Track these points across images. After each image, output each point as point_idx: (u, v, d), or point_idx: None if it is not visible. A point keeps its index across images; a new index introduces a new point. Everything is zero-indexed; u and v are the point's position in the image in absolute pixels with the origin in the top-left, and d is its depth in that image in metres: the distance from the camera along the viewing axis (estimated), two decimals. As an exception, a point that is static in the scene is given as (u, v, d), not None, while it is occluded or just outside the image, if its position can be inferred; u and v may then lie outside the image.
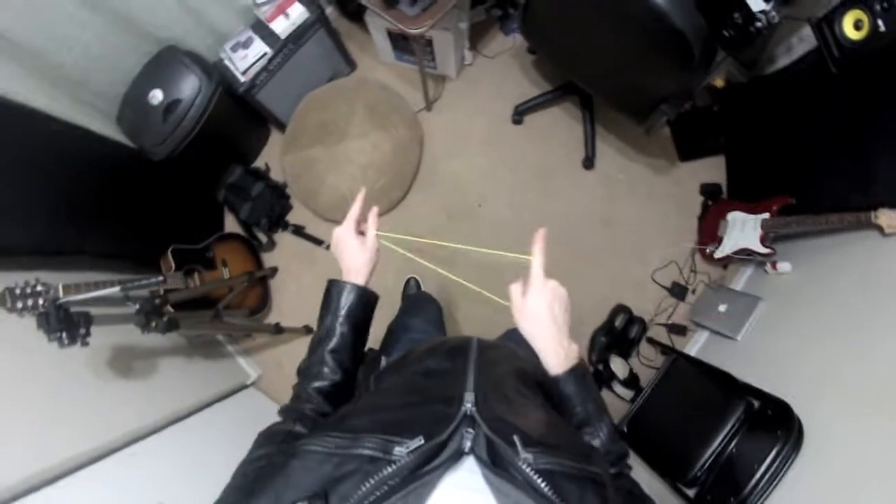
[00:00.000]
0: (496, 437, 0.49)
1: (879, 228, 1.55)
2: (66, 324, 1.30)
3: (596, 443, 0.68)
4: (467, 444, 0.50)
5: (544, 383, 0.73)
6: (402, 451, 0.46)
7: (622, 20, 1.53)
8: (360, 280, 0.82)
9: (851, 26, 1.42)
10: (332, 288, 0.81)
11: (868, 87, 1.66)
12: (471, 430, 0.51)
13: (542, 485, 0.44)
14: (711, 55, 1.67)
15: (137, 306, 1.53)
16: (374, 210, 0.88)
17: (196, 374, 2.04)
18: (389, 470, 0.44)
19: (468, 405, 0.55)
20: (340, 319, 0.78)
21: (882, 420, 1.21)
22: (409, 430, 0.49)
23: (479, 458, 0.48)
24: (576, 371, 0.71)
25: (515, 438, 0.48)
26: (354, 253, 0.82)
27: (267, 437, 0.62)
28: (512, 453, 0.47)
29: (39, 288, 1.42)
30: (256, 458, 0.54)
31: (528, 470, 0.45)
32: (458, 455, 0.49)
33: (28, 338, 1.26)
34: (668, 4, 1.36)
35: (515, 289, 0.74)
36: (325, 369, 0.75)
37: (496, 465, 0.48)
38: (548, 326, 0.71)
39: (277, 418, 0.70)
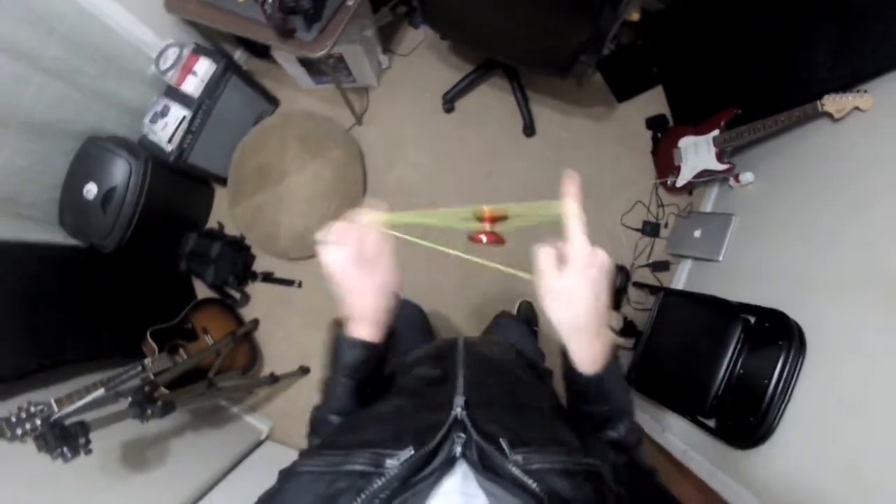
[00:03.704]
0: (484, 442, 0.49)
1: (829, 115, 1.60)
2: (63, 439, 1.36)
3: (613, 435, 0.63)
4: (458, 450, 0.50)
5: (571, 380, 0.64)
6: (394, 462, 0.47)
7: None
8: (366, 325, 0.66)
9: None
10: (333, 338, 0.69)
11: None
12: (462, 434, 0.51)
13: (534, 485, 0.44)
14: (615, -7, 1.71)
15: (130, 399, 1.60)
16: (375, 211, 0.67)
17: (209, 445, 2.11)
18: (380, 483, 0.45)
19: (458, 409, 0.55)
20: (342, 379, 0.67)
21: (873, 297, 1.26)
22: (400, 441, 0.50)
23: (471, 463, 0.49)
24: (609, 367, 0.61)
25: (503, 442, 0.48)
26: (360, 290, 0.65)
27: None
28: (501, 457, 0.47)
29: (33, 409, 1.46)
30: (268, 490, 0.55)
31: (517, 472, 0.45)
32: (451, 461, 0.49)
33: (35, 463, 1.31)
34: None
35: (546, 257, 0.57)
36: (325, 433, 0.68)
37: (487, 468, 0.48)
38: (589, 316, 0.57)
39: None
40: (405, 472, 0.46)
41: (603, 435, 0.63)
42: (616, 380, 0.62)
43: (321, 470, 0.49)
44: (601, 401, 0.62)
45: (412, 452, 0.48)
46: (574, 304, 0.56)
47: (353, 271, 0.63)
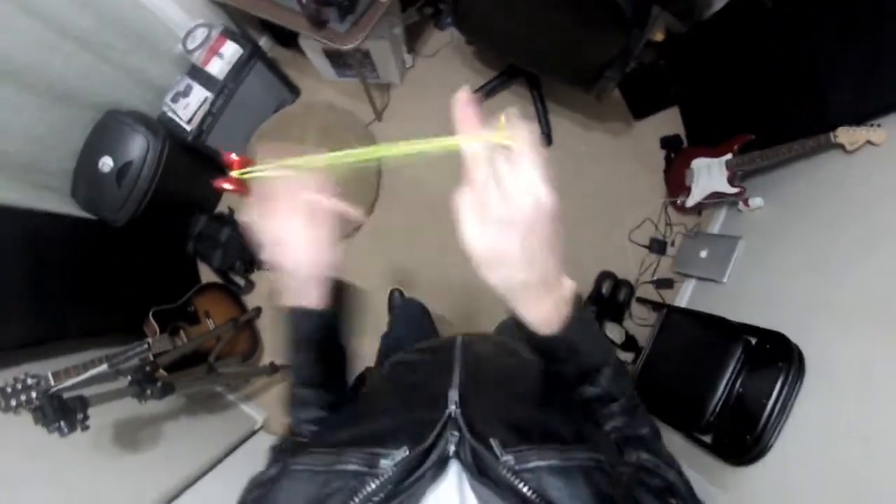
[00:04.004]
0: (475, 442, 0.48)
1: (841, 147, 1.64)
2: (62, 412, 1.34)
3: (595, 391, 0.59)
4: (451, 449, 0.49)
5: (531, 342, 0.56)
6: (388, 463, 0.46)
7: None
8: (310, 291, 0.64)
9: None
10: (281, 314, 0.67)
11: (805, 13, 1.76)
12: (455, 433, 0.50)
13: (524, 488, 0.43)
14: (645, 13, 1.75)
15: (130, 378, 1.58)
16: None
17: (203, 431, 2.10)
18: (374, 486, 0.44)
19: (452, 407, 0.54)
20: (296, 351, 0.67)
21: (874, 327, 1.29)
22: (394, 439, 0.49)
23: (464, 464, 0.48)
24: (572, 322, 0.53)
25: (493, 442, 0.47)
26: (297, 246, 0.60)
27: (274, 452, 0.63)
28: (492, 458, 0.46)
29: (30, 381, 1.44)
30: (255, 482, 0.53)
31: (508, 475, 0.44)
32: (444, 461, 0.48)
33: (29, 434, 1.30)
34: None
35: (463, 207, 0.46)
36: (304, 405, 0.69)
37: (479, 470, 0.47)
38: (527, 273, 0.47)
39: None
40: (399, 473, 0.45)
41: (582, 392, 0.60)
42: (584, 334, 0.56)
43: (314, 469, 0.48)
44: (569, 359, 0.57)
45: (407, 453, 0.47)
46: (503, 263, 0.46)
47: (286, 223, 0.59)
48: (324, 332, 0.67)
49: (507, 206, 0.43)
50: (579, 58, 1.87)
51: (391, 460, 0.46)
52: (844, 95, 1.68)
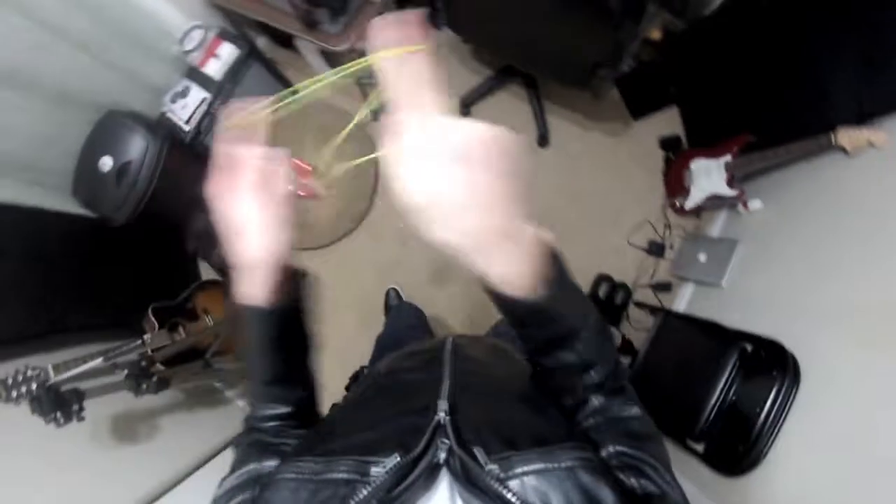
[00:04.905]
0: (461, 451, 0.48)
1: (842, 149, 1.61)
2: (58, 404, 1.42)
3: (570, 358, 0.54)
4: (441, 456, 0.49)
5: (501, 308, 0.51)
6: (380, 470, 0.46)
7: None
8: (262, 284, 0.58)
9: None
10: (239, 308, 0.61)
11: (803, 11, 1.75)
12: (446, 440, 0.50)
13: (511, 497, 0.43)
14: (637, 8, 1.75)
15: (126, 372, 1.65)
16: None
17: (200, 425, 2.17)
18: (365, 493, 0.44)
19: (441, 414, 0.53)
20: (254, 352, 0.63)
21: (879, 335, 1.27)
22: (384, 447, 0.49)
23: (453, 472, 0.48)
24: (546, 282, 0.47)
25: (476, 451, 0.47)
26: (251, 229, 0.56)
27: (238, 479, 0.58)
28: (477, 467, 0.46)
29: (30, 373, 1.51)
30: (235, 486, 0.55)
31: (494, 484, 0.44)
32: (434, 468, 0.49)
33: (29, 425, 1.38)
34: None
35: (393, 146, 0.42)
36: (267, 400, 0.66)
37: (468, 479, 0.47)
38: (482, 221, 0.41)
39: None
40: (391, 480, 0.46)
41: (558, 359, 0.56)
42: (561, 295, 0.50)
43: (303, 478, 0.48)
44: (543, 325, 0.52)
45: (398, 460, 0.47)
46: (451, 210, 0.40)
47: (253, 195, 0.55)
48: (280, 329, 0.62)
49: (449, 138, 0.40)
50: (571, 55, 1.87)
51: (382, 468, 0.46)
52: (845, 95, 1.65)
